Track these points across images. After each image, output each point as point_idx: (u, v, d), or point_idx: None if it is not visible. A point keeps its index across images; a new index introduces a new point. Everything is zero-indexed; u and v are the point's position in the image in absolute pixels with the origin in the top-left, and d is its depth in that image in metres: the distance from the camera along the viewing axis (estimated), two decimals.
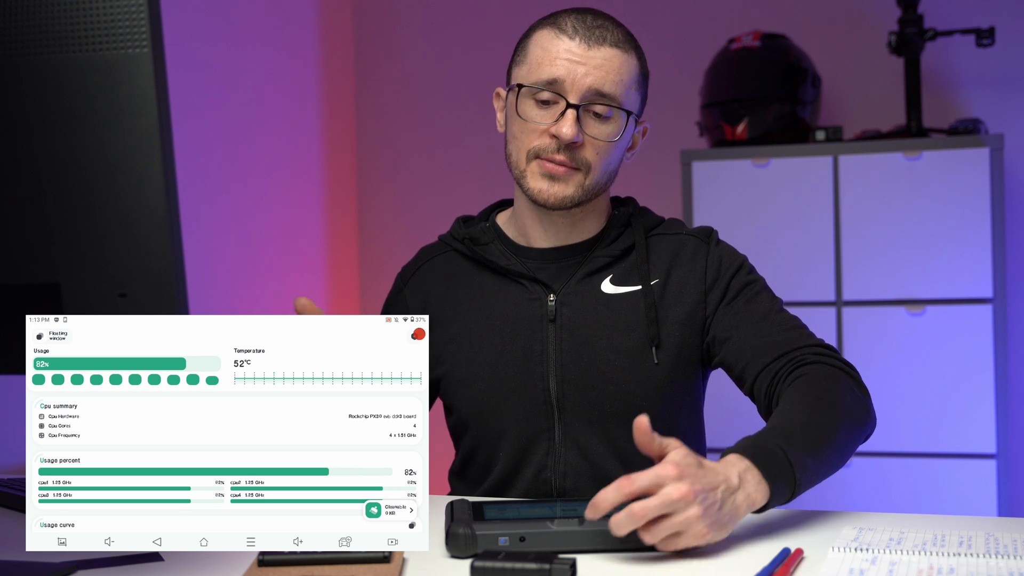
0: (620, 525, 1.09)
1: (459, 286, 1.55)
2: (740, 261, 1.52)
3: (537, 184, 1.45)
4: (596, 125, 1.43)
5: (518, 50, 1.49)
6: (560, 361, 1.47)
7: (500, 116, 1.54)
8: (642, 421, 1.14)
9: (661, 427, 1.47)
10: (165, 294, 0.99)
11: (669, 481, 1.09)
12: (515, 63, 1.49)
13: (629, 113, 1.45)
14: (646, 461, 1.47)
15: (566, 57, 1.42)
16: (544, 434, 1.48)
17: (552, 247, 1.52)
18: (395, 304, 1.61)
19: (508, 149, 1.49)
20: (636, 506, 1.08)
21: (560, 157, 1.43)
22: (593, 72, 1.41)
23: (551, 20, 1.46)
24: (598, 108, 1.43)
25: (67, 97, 0.98)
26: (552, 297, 1.49)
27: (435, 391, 1.57)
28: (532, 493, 1.48)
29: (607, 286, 1.49)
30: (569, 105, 1.41)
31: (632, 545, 1.14)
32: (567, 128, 1.40)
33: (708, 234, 1.53)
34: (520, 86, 1.45)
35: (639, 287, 1.49)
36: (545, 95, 1.43)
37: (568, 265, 1.51)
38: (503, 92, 1.53)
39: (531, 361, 1.48)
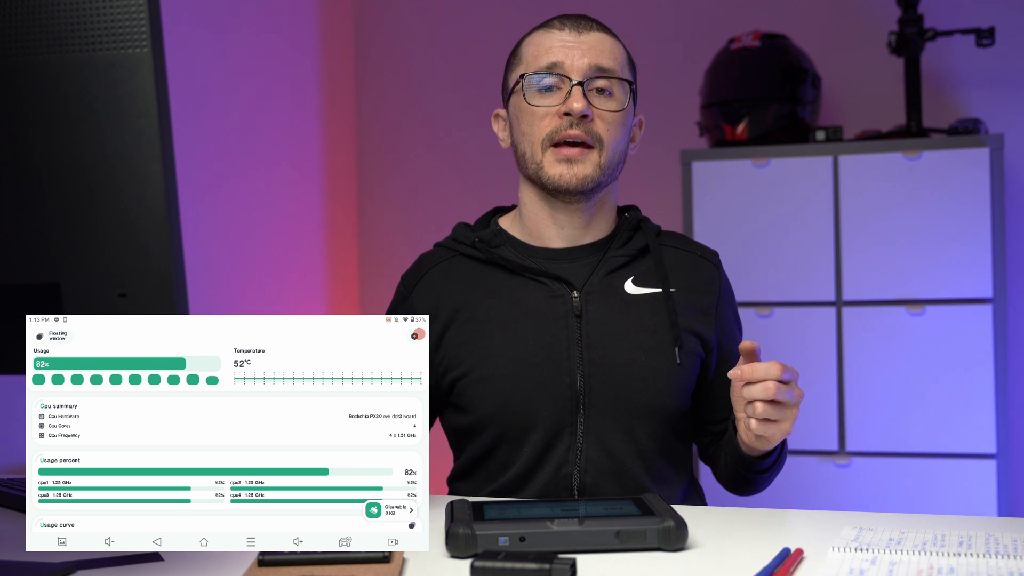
0: (768, 390, 1.28)
1: (471, 288, 1.54)
2: (735, 303, 1.63)
3: (556, 170, 1.49)
4: (601, 100, 1.50)
5: (511, 60, 1.56)
6: (587, 357, 1.48)
7: (503, 135, 1.59)
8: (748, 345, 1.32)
9: (672, 425, 1.50)
10: (165, 294, 0.99)
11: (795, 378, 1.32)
12: (510, 70, 1.56)
13: (630, 83, 1.51)
14: (664, 461, 1.51)
15: (560, 45, 1.49)
16: (567, 430, 1.48)
17: (565, 247, 1.54)
18: (401, 312, 1.58)
19: (521, 150, 1.53)
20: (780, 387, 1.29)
21: (575, 132, 1.48)
22: (588, 52, 1.49)
23: (538, 27, 1.55)
24: (600, 83, 1.49)
25: (67, 97, 0.98)
26: (576, 294, 1.50)
27: (444, 397, 1.54)
28: (551, 489, 1.48)
29: (630, 286, 1.52)
30: (574, 83, 1.47)
31: (632, 545, 1.14)
32: (577, 102, 1.46)
33: (718, 261, 1.61)
34: (523, 76, 1.50)
35: (659, 289, 1.53)
36: (548, 80, 1.49)
37: (585, 264, 1.53)
38: (502, 112, 1.59)
39: (558, 356, 1.48)
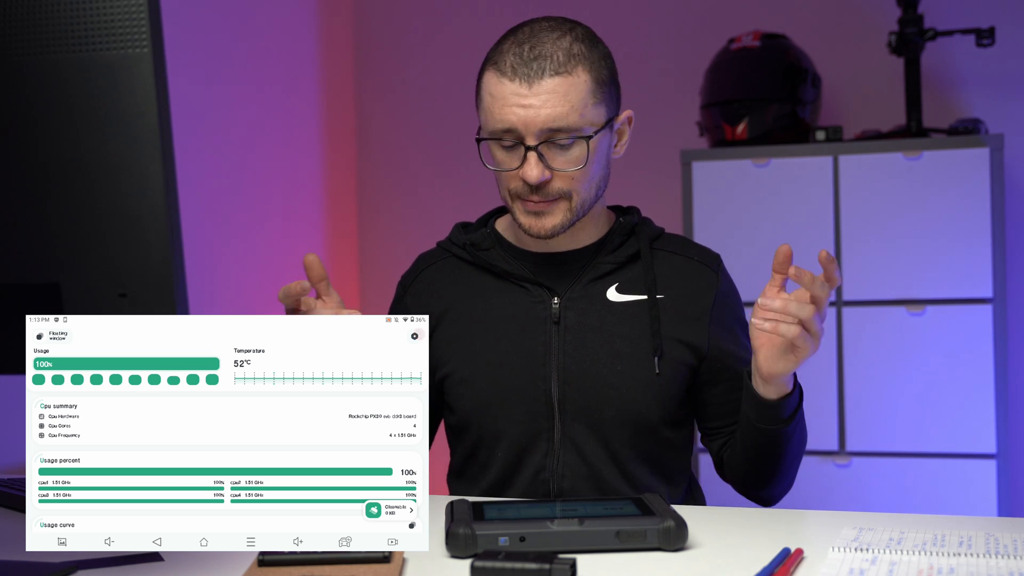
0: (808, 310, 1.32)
1: (461, 290, 1.56)
2: (741, 306, 1.59)
3: (526, 220, 1.47)
4: (560, 156, 1.43)
5: (477, 89, 1.49)
6: (562, 363, 1.48)
7: None
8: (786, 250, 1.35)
9: (654, 435, 1.49)
10: (165, 294, 0.99)
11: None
12: (477, 105, 1.50)
13: (589, 138, 1.43)
14: (645, 469, 1.50)
15: (513, 102, 1.41)
16: (543, 435, 1.48)
17: (553, 252, 1.54)
18: (397, 312, 1.61)
19: (497, 183, 1.51)
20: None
21: (535, 197, 1.44)
22: (542, 111, 1.40)
23: (493, 58, 1.45)
24: (560, 140, 1.42)
25: (67, 97, 0.98)
26: (556, 300, 1.50)
27: (439, 394, 1.57)
28: (530, 494, 1.49)
29: (613, 293, 1.51)
30: (528, 148, 1.42)
31: (632, 545, 1.14)
32: (531, 171, 1.41)
33: (717, 265, 1.57)
34: (481, 140, 1.47)
35: (644, 297, 1.51)
36: (506, 141, 1.43)
37: (571, 270, 1.53)
38: None
39: (533, 362, 1.49)
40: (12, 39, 0.99)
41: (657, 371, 1.47)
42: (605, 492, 1.47)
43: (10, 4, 0.98)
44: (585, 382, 1.47)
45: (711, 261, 1.57)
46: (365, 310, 3.57)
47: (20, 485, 1.43)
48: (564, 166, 1.43)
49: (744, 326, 1.58)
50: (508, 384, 1.48)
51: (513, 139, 1.43)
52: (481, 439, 1.52)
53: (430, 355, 1.51)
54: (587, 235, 1.54)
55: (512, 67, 1.42)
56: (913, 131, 2.81)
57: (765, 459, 1.46)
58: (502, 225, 1.60)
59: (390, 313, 1.63)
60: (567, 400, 1.47)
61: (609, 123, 1.47)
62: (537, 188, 1.43)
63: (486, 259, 1.55)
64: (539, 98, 1.40)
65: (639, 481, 1.50)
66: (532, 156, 1.41)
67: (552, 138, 1.42)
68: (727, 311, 1.55)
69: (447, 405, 1.56)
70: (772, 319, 1.31)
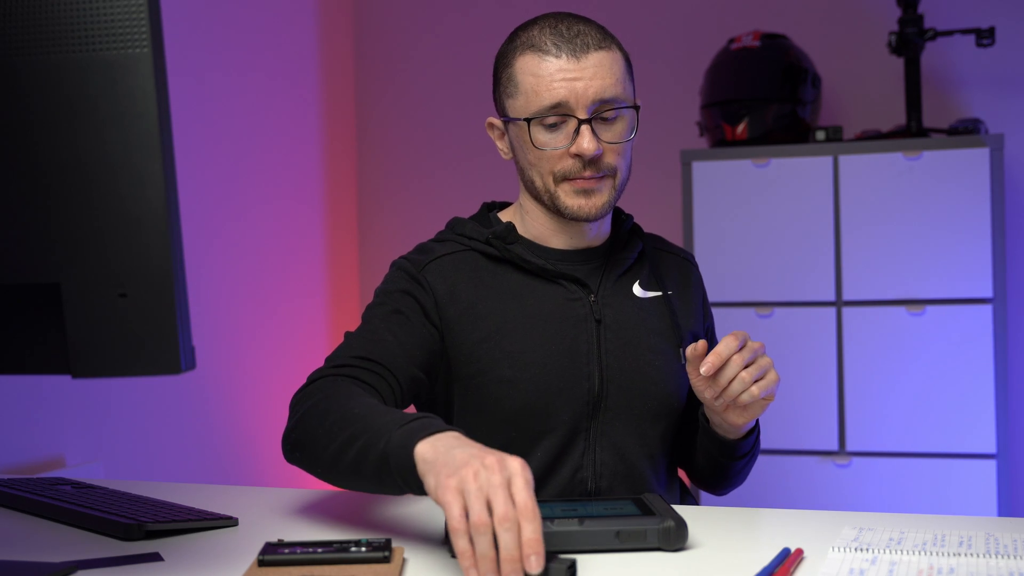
0: (744, 383, 1.34)
1: (487, 284, 1.50)
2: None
3: (574, 202, 1.46)
4: (608, 130, 1.44)
5: (503, 81, 1.48)
6: (605, 361, 1.48)
7: (500, 145, 1.53)
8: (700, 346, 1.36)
9: (674, 429, 1.54)
10: (165, 294, 0.99)
11: (748, 339, 1.37)
12: (506, 95, 1.48)
13: (635, 108, 1.46)
14: (666, 462, 1.53)
15: (561, 77, 1.42)
16: (581, 434, 1.47)
17: (573, 249, 1.53)
18: (411, 293, 1.49)
19: (528, 175, 1.48)
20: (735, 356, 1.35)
21: (588, 173, 1.44)
22: (592, 83, 1.41)
23: (527, 42, 1.45)
24: (607, 113, 1.43)
25: (67, 97, 0.98)
26: (592, 297, 1.50)
27: (448, 388, 1.49)
28: (566, 494, 1.47)
29: (638, 290, 1.54)
30: (581, 121, 1.42)
31: (632, 545, 1.14)
32: (587, 144, 1.41)
33: (694, 260, 1.66)
34: (528, 120, 1.44)
35: (660, 293, 1.56)
36: (552, 119, 1.43)
37: (594, 267, 1.53)
38: (496, 122, 1.52)
39: (578, 360, 1.47)
40: (11, 39, 0.99)
41: (683, 362, 1.49)
42: (637, 487, 1.48)
43: (9, 4, 0.98)
44: (628, 379, 1.48)
45: (691, 257, 1.66)
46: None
47: (20, 485, 1.42)
48: (613, 139, 1.44)
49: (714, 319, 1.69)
50: (554, 384, 1.46)
51: (560, 117, 1.43)
52: (514, 440, 1.46)
53: (448, 342, 1.47)
54: (601, 231, 1.54)
55: (555, 45, 1.43)
56: (913, 131, 2.82)
57: (721, 477, 1.56)
58: (506, 219, 1.56)
59: (390, 292, 1.50)
60: (608, 397, 1.47)
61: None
62: (591, 162, 1.44)
63: (517, 253, 1.50)
64: (587, 71, 1.42)
65: (662, 474, 1.52)
66: (586, 129, 1.42)
67: (600, 111, 1.43)
68: (707, 304, 1.65)
69: (463, 406, 1.49)
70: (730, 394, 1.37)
